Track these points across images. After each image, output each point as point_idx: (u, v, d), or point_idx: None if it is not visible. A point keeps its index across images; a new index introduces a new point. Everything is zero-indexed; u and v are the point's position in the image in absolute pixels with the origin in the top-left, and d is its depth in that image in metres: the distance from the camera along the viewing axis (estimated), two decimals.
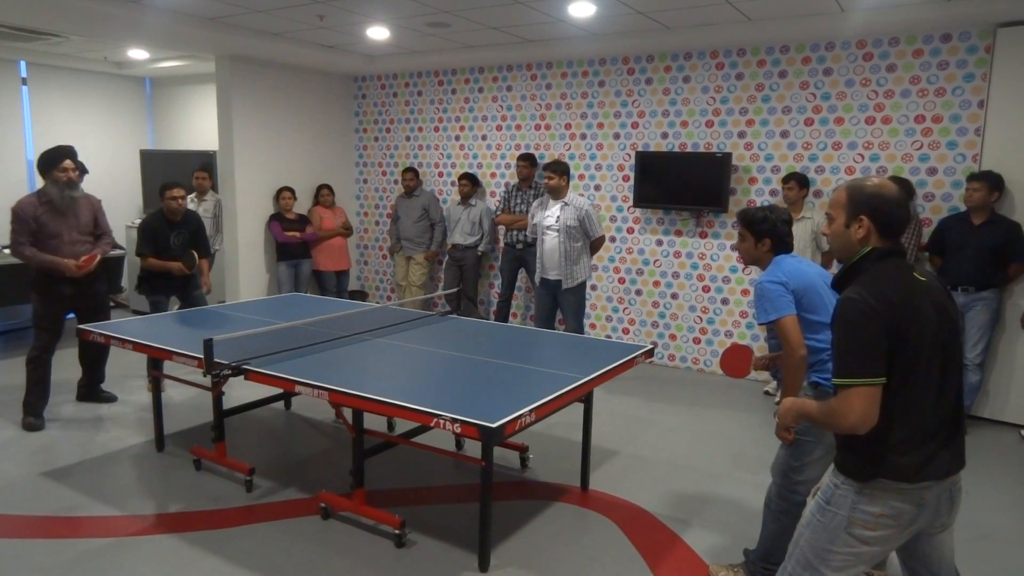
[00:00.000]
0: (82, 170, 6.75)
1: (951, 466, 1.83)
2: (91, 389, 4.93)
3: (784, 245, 2.75)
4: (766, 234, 2.73)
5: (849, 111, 5.28)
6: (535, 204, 5.41)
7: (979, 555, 3.14)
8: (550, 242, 5.20)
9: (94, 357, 4.89)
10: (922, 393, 1.77)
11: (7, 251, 6.42)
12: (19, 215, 4.26)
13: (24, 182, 7.69)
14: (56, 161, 4.32)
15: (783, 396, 2.47)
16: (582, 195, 6.10)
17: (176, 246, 5.04)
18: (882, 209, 1.85)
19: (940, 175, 5.01)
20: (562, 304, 5.31)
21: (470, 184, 6.71)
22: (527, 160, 6.36)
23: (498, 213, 6.62)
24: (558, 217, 5.13)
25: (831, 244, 2.00)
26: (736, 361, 2.94)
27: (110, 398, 4.94)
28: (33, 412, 4.44)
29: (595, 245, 5.28)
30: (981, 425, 4.83)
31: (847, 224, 1.90)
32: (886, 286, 1.76)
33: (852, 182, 1.94)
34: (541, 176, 6.63)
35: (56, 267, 4.32)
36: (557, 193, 5.15)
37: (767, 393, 5.43)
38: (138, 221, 7.93)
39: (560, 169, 5.13)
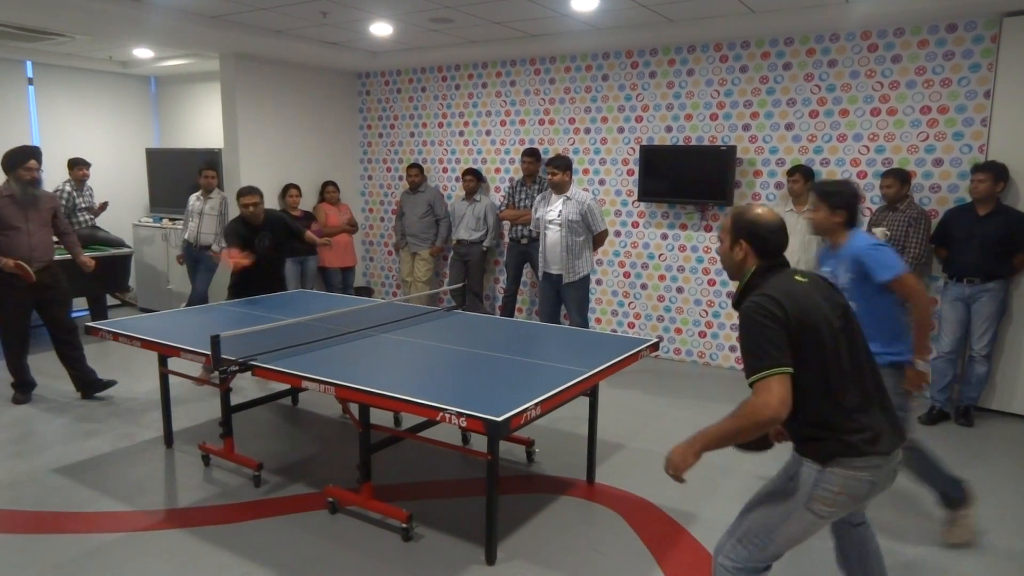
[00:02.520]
0: (82, 163, 6.83)
1: (895, 441, 1.98)
2: (86, 384, 4.95)
3: (854, 219, 2.94)
4: (842, 206, 2.89)
5: (854, 103, 5.25)
6: (538, 199, 5.42)
7: (989, 545, 3.14)
8: (552, 236, 5.20)
9: (69, 356, 4.91)
10: (839, 372, 1.94)
11: None
12: None
13: None
14: (22, 160, 4.56)
15: (918, 348, 2.89)
16: (585, 190, 6.10)
17: (260, 249, 4.85)
18: (758, 234, 2.06)
19: (946, 166, 4.99)
20: (565, 298, 5.32)
21: (475, 180, 6.72)
22: (531, 155, 6.36)
23: (502, 208, 6.63)
24: (560, 211, 5.14)
25: (721, 263, 2.22)
26: None
27: (108, 383, 4.99)
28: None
29: (598, 239, 5.28)
30: (989, 416, 4.81)
31: (731, 247, 2.11)
32: (774, 290, 1.95)
33: (734, 209, 2.16)
34: (545, 171, 6.63)
35: None
36: (560, 188, 5.15)
37: None
38: (145, 220, 7.99)
39: (563, 164, 5.14)
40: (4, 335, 4.81)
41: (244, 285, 4.93)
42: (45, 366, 5.75)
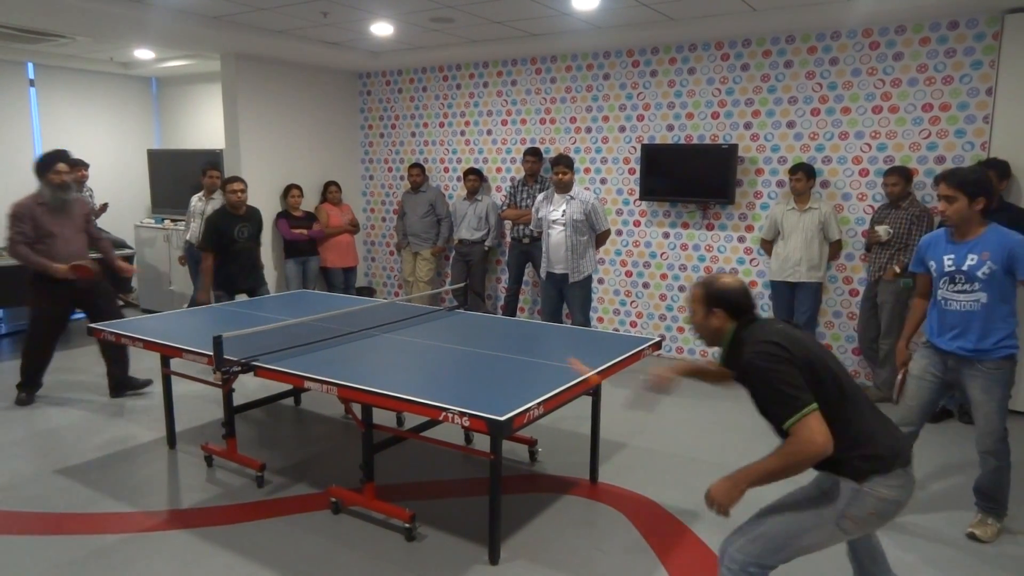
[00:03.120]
0: (80, 163, 6.83)
1: (909, 451, 2.07)
2: (119, 383, 4.99)
3: (991, 209, 2.95)
4: (982, 194, 2.87)
5: (856, 101, 5.25)
6: (540, 198, 5.42)
7: (1008, 545, 3.13)
8: (556, 236, 5.20)
9: (112, 351, 4.93)
10: (850, 396, 2.01)
11: None
12: (16, 215, 4.47)
13: (33, 183, 7.73)
14: (49, 165, 4.54)
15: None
16: (587, 189, 6.10)
17: (241, 240, 5.16)
18: (731, 299, 2.14)
19: (948, 163, 4.98)
20: (568, 298, 5.32)
21: (476, 179, 6.71)
22: (533, 154, 6.35)
23: (504, 208, 6.62)
24: (564, 211, 5.13)
25: (697, 332, 2.25)
26: None
27: (142, 383, 5.03)
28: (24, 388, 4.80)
29: (601, 238, 5.29)
30: None
31: (705, 316, 2.18)
32: (770, 335, 2.01)
33: (700, 282, 2.23)
34: (547, 170, 6.63)
35: (46, 269, 4.48)
36: (565, 188, 5.15)
37: None
38: (147, 221, 7.99)
39: (569, 164, 5.14)
40: (32, 337, 4.79)
41: (223, 278, 5.15)
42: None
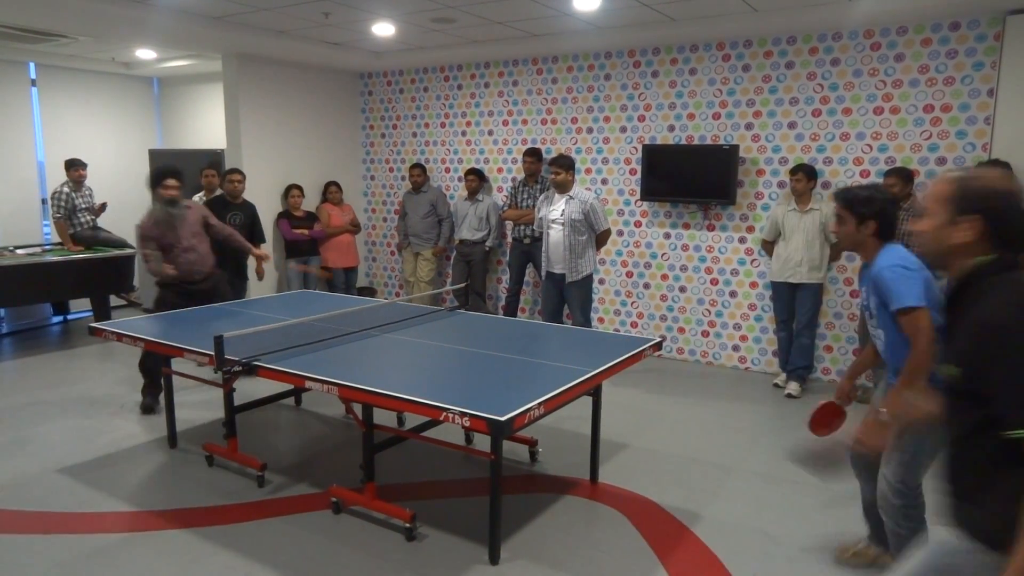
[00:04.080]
0: (82, 163, 6.85)
1: None
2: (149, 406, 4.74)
3: (891, 229, 2.47)
4: (870, 216, 2.46)
5: (857, 101, 5.25)
6: (541, 198, 5.43)
7: None
8: (555, 236, 5.20)
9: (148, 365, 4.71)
10: None
11: (20, 251, 6.51)
12: (141, 233, 4.67)
13: (35, 183, 7.77)
14: (159, 180, 4.62)
15: (894, 398, 2.27)
16: (588, 189, 6.10)
17: (232, 226, 5.31)
18: (998, 209, 1.53)
19: (950, 165, 4.98)
20: (568, 298, 5.32)
21: (477, 179, 6.72)
22: (533, 155, 6.36)
23: (505, 208, 6.63)
24: (563, 211, 5.14)
25: (923, 244, 1.68)
26: (827, 419, 2.76)
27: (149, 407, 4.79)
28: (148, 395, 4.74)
29: (601, 238, 5.29)
30: None
31: (949, 223, 1.58)
32: None
33: (959, 176, 1.62)
34: (548, 170, 6.62)
35: (158, 274, 4.61)
36: (563, 188, 5.16)
37: (776, 386, 5.42)
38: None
39: (565, 164, 5.14)
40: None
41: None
42: (48, 366, 5.78)
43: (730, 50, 5.69)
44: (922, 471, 2.45)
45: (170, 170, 4.67)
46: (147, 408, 4.70)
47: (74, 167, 6.71)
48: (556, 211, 5.19)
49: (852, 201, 2.50)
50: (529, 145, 6.73)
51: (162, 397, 4.29)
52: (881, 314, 2.48)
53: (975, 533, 1.50)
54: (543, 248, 5.34)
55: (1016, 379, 1.39)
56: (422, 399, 2.65)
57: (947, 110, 4.95)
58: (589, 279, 5.29)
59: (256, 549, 3.02)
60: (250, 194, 6.80)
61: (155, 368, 4.53)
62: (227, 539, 3.10)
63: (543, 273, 5.41)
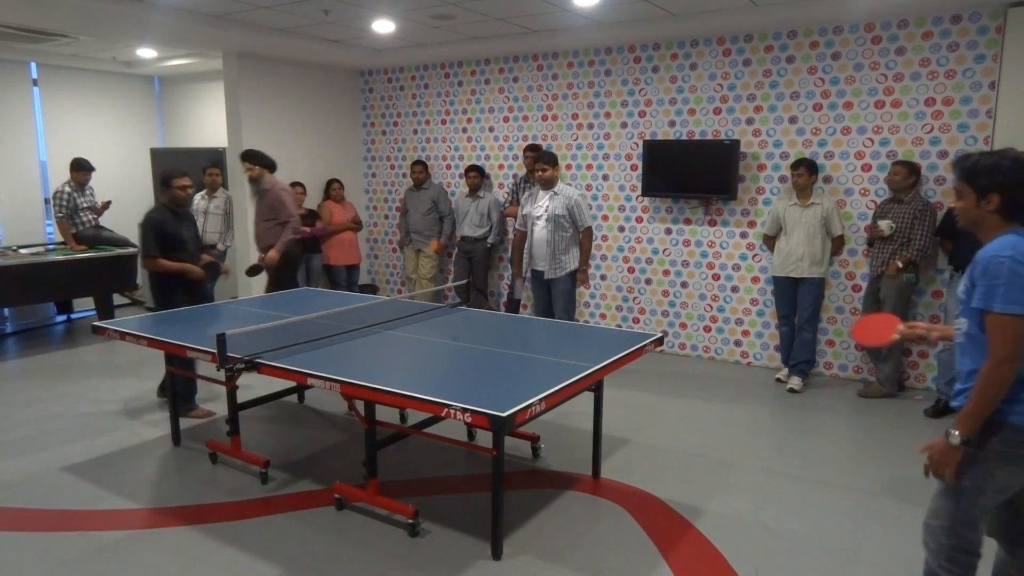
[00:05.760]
0: (88, 167, 6.82)
1: None
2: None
3: (1020, 207, 2.00)
4: (995, 188, 1.99)
5: (858, 95, 5.23)
6: (525, 196, 5.34)
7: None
8: (539, 232, 5.10)
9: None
10: None
11: (23, 251, 6.53)
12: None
13: (37, 182, 7.78)
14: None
15: (958, 422, 2.01)
16: (569, 184, 6.07)
17: (189, 240, 4.77)
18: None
19: (951, 158, 4.97)
20: (552, 295, 5.18)
21: (478, 176, 6.72)
22: (533, 150, 6.35)
23: (506, 205, 6.63)
24: (547, 207, 5.05)
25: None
26: (878, 328, 2.58)
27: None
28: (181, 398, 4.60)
29: (585, 237, 5.09)
30: None
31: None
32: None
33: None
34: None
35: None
36: (549, 184, 5.06)
37: (778, 380, 5.42)
38: None
39: (552, 160, 5.06)
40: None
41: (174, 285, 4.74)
42: (52, 364, 5.80)
43: (730, 45, 5.67)
44: (977, 522, 2.08)
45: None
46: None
47: (81, 169, 6.66)
48: (540, 208, 5.10)
49: (972, 171, 2.04)
50: (530, 141, 6.72)
51: (167, 394, 4.29)
52: (965, 307, 2.09)
53: None
54: (526, 246, 5.22)
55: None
56: (424, 395, 2.66)
57: (948, 103, 4.94)
58: (572, 276, 5.14)
59: (260, 545, 3.03)
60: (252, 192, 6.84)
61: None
62: (231, 536, 3.11)
63: (526, 271, 5.29)
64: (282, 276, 5.39)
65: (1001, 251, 1.94)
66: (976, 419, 1.97)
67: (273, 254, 5.23)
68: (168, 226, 4.51)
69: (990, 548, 2.18)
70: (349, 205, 7.33)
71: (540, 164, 5.07)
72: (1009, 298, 1.91)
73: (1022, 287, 1.91)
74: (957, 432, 1.98)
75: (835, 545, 3.06)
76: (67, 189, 6.63)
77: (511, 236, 6.65)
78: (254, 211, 5.48)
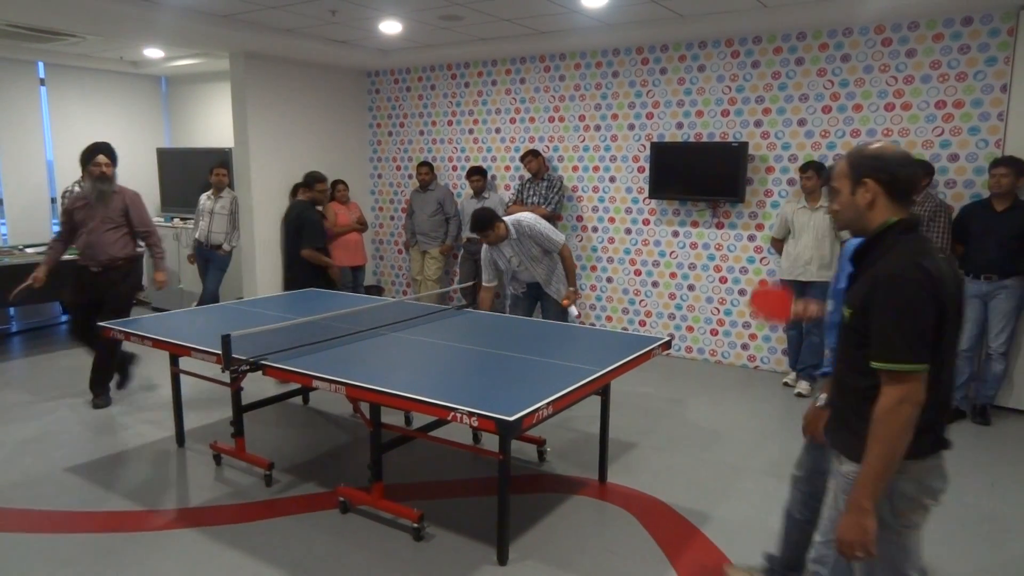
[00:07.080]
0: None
1: (946, 440, 1.80)
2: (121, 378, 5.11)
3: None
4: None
5: (868, 98, 5.20)
6: (483, 253, 4.66)
7: (1007, 547, 3.09)
8: (524, 275, 4.73)
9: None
10: (947, 370, 1.77)
11: (29, 250, 6.53)
12: (62, 208, 4.80)
13: (44, 181, 7.79)
14: (90, 156, 4.65)
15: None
16: (518, 211, 5.06)
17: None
18: (887, 169, 1.77)
19: (962, 161, 4.93)
20: (544, 307, 4.85)
21: (480, 179, 6.69)
22: (531, 154, 6.32)
23: (510, 206, 6.60)
24: (518, 252, 4.60)
25: (839, 219, 1.89)
26: (773, 302, 2.62)
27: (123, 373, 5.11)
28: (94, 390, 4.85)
29: (565, 257, 4.67)
30: (1006, 415, 4.75)
31: (852, 191, 1.81)
32: (929, 263, 1.67)
33: (851, 151, 1.87)
34: (556, 168, 6.62)
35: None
36: (500, 239, 4.51)
37: (786, 385, 5.38)
38: (156, 219, 8.00)
39: (488, 224, 4.40)
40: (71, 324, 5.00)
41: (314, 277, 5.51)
42: (57, 364, 5.80)
43: (739, 46, 5.64)
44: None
45: (102, 147, 4.69)
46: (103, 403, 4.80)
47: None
48: (515, 259, 4.63)
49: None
50: (536, 143, 6.71)
51: (171, 395, 4.28)
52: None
53: (851, 455, 1.78)
54: (509, 277, 4.81)
55: (885, 318, 1.67)
56: (430, 398, 2.63)
57: (959, 106, 4.90)
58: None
59: (264, 548, 3.01)
60: (259, 192, 6.84)
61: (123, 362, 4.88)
62: (235, 538, 3.09)
63: (511, 290, 4.92)
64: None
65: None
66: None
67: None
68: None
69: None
70: (354, 206, 7.31)
71: (482, 233, 4.45)
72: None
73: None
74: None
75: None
76: (76, 188, 6.63)
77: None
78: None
